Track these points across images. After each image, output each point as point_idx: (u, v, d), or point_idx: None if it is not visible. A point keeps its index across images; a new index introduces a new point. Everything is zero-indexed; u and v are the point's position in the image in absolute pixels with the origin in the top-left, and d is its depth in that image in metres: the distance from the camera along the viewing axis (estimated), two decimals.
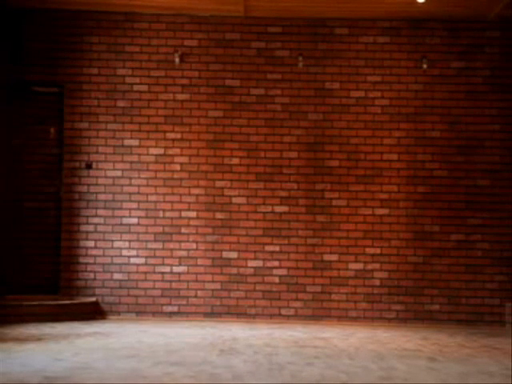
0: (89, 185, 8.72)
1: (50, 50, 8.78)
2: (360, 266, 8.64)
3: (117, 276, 8.62)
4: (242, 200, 8.73)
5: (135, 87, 8.82)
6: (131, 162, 8.75)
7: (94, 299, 8.51)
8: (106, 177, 8.73)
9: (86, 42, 8.84)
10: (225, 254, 8.67)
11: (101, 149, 8.76)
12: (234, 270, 8.66)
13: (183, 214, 8.71)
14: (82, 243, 8.65)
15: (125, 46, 8.86)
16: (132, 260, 8.65)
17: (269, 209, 8.73)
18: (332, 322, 8.53)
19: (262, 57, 8.90)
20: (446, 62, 8.87)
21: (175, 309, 8.58)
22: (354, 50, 8.90)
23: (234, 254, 8.67)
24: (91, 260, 8.63)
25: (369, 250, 8.66)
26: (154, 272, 8.64)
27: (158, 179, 8.74)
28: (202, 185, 8.74)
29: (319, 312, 8.61)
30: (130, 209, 8.69)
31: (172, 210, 8.70)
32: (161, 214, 8.69)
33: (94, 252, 8.64)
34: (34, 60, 8.76)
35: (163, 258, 8.66)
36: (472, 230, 8.69)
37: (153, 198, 8.72)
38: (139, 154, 8.76)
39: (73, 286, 8.60)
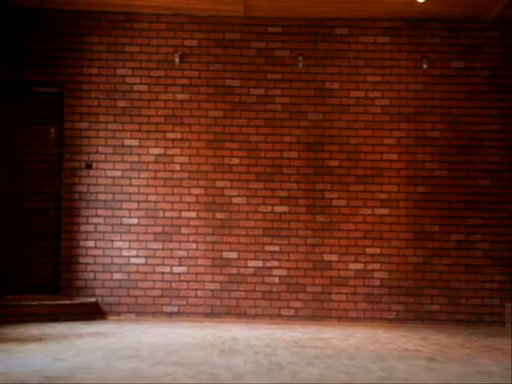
0: (89, 185, 8.71)
1: (50, 50, 8.78)
2: (360, 266, 8.64)
3: (117, 276, 8.62)
4: (242, 200, 8.73)
5: (135, 87, 8.81)
6: (131, 162, 8.75)
7: (93, 299, 8.51)
8: (105, 177, 8.73)
9: (86, 42, 8.83)
10: (225, 254, 8.67)
11: (101, 149, 8.76)
12: (234, 270, 8.66)
13: (183, 214, 8.71)
14: (81, 243, 8.65)
15: (125, 45, 8.86)
16: (132, 260, 8.65)
17: (269, 209, 8.73)
18: (332, 323, 8.53)
19: (262, 57, 8.90)
20: (446, 62, 8.87)
21: (175, 309, 8.58)
22: (354, 50, 8.90)
23: (233, 254, 8.67)
24: (91, 260, 8.63)
25: (369, 250, 8.66)
26: (154, 272, 8.64)
27: (158, 179, 8.74)
28: (202, 185, 8.74)
29: (319, 312, 8.61)
30: (129, 209, 8.69)
31: (172, 210, 8.70)
32: (161, 214, 8.69)
33: (94, 252, 8.64)
34: (34, 60, 8.76)
35: (163, 258, 8.65)
36: (472, 229, 8.69)
37: (153, 198, 8.72)
38: (139, 154, 8.76)
39: (73, 286, 8.60)
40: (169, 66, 8.84)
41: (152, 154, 8.75)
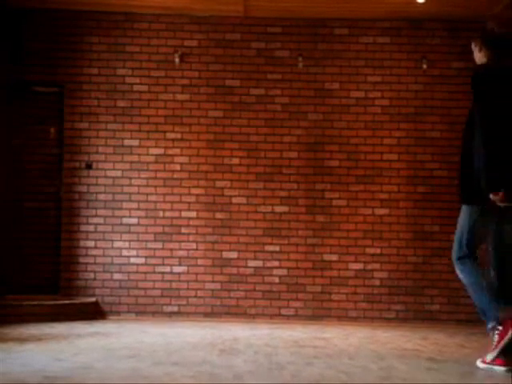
0: (89, 185, 8.71)
1: (50, 50, 8.78)
2: (360, 266, 8.64)
3: (117, 276, 8.62)
4: (242, 200, 8.73)
5: (135, 87, 8.82)
6: (131, 162, 8.75)
7: (93, 299, 8.51)
8: (105, 177, 8.73)
9: (86, 42, 8.83)
10: (225, 254, 8.67)
11: (101, 149, 8.76)
12: (234, 270, 8.66)
13: (183, 214, 8.71)
14: (82, 243, 8.65)
15: (125, 46, 8.86)
16: (132, 260, 8.65)
17: (269, 209, 8.73)
18: (332, 322, 8.53)
19: (262, 57, 8.90)
20: (446, 62, 8.87)
21: (175, 309, 8.58)
22: (354, 50, 8.90)
23: (233, 254, 8.67)
24: (91, 260, 8.63)
25: (369, 250, 8.66)
26: (154, 272, 8.64)
27: (158, 179, 8.74)
28: (202, 185, 8.74)
29: (319, 312, 8.61)
30: (129, 209, 8.69)
31: (172, 210, 8.70)
32: (161, 214, 8.69)
33: (94, 252, 8.64)
34: (34, 60, 8.76)
35: (163, 258, 8.66)
36: None
37: (153, 198, 8.72)
38: (139, 154, 8.76)
39: (73, 286, 8.60)
40: (169, 66, 8.84)
41: (152, 154, 8.76)
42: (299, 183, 8.77)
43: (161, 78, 8.84)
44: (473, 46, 5.54)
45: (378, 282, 8.62)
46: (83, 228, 8.66)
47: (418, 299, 8.59)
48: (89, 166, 8.72)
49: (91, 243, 8.65)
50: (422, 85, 8.85)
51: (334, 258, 8.65)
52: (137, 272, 8.63)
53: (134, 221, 8.68)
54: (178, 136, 8.78)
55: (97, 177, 8.72)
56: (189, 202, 8.73)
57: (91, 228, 8.66)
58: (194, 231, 8.69)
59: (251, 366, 5.07)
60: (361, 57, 8.89)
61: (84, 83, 8.80)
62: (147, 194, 8.72)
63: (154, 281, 8.63)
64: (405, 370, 5.04)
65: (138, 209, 8.70)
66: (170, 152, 8.76)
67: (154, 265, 8.64)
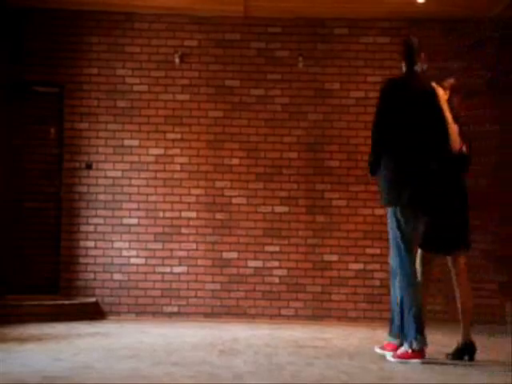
0: (89, 185, 8.71)
1: (50, 50, 8.78)
2: (360, 266, 8.64)
3: (117, 276, 8.61)
4: (242, 200, 8.73)
5: (135, 87, 8.81)
6: (131, 163, 8.75)
7: (93, 299, 8.50)
8: (105, 177, 8.72)
9: (86, 42, 8.83)
10: (225, 255, 8.67)
11: (101, 149, 8.75)
12: (234, 271, 8.65)
13: (183, 214, 8.70)
14: (82, 243, 8.64)
15: (125, 46, 8.86)
16: (132, 260, 8.64)
17: (269, 209, 8.73)
18: (332, 322, 8.52)
19: (261, 57, 8.89)
20: (446, 62, 8.85)
21: (175, 309, 8.58)
22: (354, 50, 8.89)
23: (233, 255, 8.67)
24: (91, 260, 8.63)
25: (369, 251, 8.65)
26: (154, 272, 8.63)
27: (158, 179, 8.74)
28: (202, 185, 8.74)
29: (319, 312, 8.61)
30: (130, 209, 8.69)
31: (172, 210, 8.69)
32: (161, 214, 8.69)
33: (94, 252, 8.64)
34: (34, 60, 8.75)
35: (163, 258, 8.65)
36: (472, 229, 8.65)
37: (153, 198, 8.71)
38: (139, 155, 8.75)
39: (73, 286, 8.60)
40: (169, 66, 8.84)
41: (152, 155, 8.75)
42: (299, 183, 8.76)
43: (161, 78, 8.83)
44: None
45: (377, 283, 8.61)
46: (83, 228, 8.66)
47: None
48: (89, 167, 8.71)
49: (91, 243, 8.64)
50: None
51: (334, 258, 8.65)
52: (137, 272, 8.63)
53: (134, 221, 8.68)
54: (178, 136, 8.78)
55: (97, 177, 8.71)
56: (189, 203, 8.72)
57: (91, 228, 8.66)
58: (194, 231, 8.68)
59: (251, 366, 5.07)
60: (361, 57, 8.88)
61: (84, 83, 8.79)
62: (147, 195, 8.72)
63: (154, 281, 8.62)
64: (405, 370, 5.04)
65: (138, 209, 8.70)
66: (170, 152, 8.76)
67: (154, 265, 8.64)
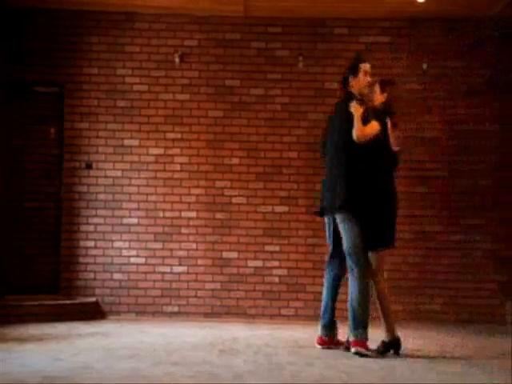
0: (89, 185, 8.71)
1: (50, 50, 8.78)
2: None
3: (117, 276, 8.61)
4: (242, 200, 8.73)
5: (135, 87, 8.81)
6: (131, 162, 8.75)
7: (93, 299, 8.51)
8: (105, 177, 8.72)
9: (86, 42, 8.83)
10: (225, 254, 8.67)
11: (101, 149, 8.75)
12: (234, 270, 8.65)
13: (183, 214, 8.70)
14: (82, 243, 8.65)
15: (125, 46, 8.86)
16: (132, 260, 8.64)
17: (269, 209, 8.73)
18: None
19: (261, 57, 8.89)
20: (446, 62, 8.86)
21: (175, 309, 8.58)
22: (354, 50, 8.86)
23: (233, 254, 8.67)
24: (91, 260, 8.63)
25: None
26: (154, 272, 8.64)
27: (158, 179, 8.74)
28: (202, 185, 8.74)
29: (319, 312, 8.57)
30: (129, 209, 8.69)
31: (172, 210, 8.69)
32: (161, 214, 8.69)
33: (94, 252, 8.64)
34: (34, 60, 8.75)
35: (163, 258, 8.65)
36: (472, 229, 8.68)
37: (153, 198, 8.72)
38: (139, 154, 8.76)
39: (73, 285, 8.60)
40: (169, 66, 8.84)
41: (152, 154, 8.75)
42: (299, 183, 8.76)
43: (161, 77, 8.83)
44: None
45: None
46: (83, 228, 8.66)
47: (418, 299, 8.58)
48: (89, 166, 8.72)
49: (91, 243, 8.64)
50: (422, 85, 8.83)
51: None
52: (137, 272, 8.63)
53: (134, 221, 8.68)
54: (178, 136, 8.78)
55: (97, 177, 8.72)
56: (189, 202, 8.72)
57: (91, 228, 8.66)
58: (194, 231, 8.68)
59: (251, 366, 5.07)
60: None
61: (84, 83, 8.79)
62: (147, 194, 8.72)
63: (154, 281, 8.62)
64: (405, 370, 5.04)
65: (138, 209, 8.70)
66: (170, 152, 8.76)
67: (154, 265, 8.64)
